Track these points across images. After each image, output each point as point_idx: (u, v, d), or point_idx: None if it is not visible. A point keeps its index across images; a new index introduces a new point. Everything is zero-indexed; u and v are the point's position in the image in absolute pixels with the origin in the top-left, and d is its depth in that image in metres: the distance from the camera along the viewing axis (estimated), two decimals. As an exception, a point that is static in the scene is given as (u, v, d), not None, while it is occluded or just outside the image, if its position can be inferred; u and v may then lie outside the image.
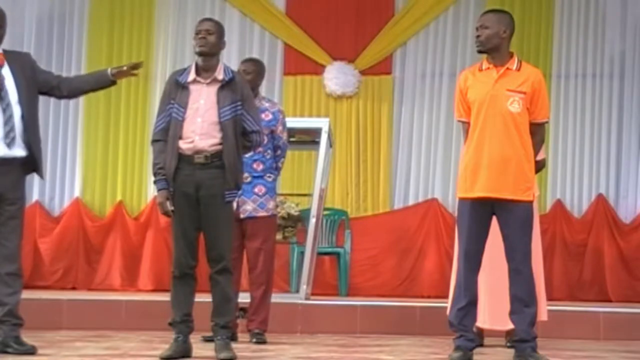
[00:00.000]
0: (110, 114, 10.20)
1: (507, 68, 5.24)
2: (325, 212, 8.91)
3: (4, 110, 5.25)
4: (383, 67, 10.16)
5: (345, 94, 10.10)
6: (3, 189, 5.25)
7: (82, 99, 10.12)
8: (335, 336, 7.13)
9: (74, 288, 9.69)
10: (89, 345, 6.10)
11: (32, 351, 5.24)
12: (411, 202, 10.07)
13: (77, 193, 10.13)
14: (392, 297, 8.92)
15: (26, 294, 5.48)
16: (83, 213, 10.03)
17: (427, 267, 9.67)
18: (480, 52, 5.29)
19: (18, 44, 9.78)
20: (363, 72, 10.11)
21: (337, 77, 10.05)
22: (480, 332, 6.19)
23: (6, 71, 5.33)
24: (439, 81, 10.11)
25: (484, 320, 6.04)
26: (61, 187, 10.20)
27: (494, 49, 5.24)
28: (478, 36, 5.26)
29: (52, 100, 9.96)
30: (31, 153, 5.36)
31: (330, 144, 8.23)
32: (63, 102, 10.11)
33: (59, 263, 9.83)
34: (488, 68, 5.27)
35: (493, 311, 6.01)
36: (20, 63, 5.45)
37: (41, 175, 5.56)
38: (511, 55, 5.30)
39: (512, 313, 5.27)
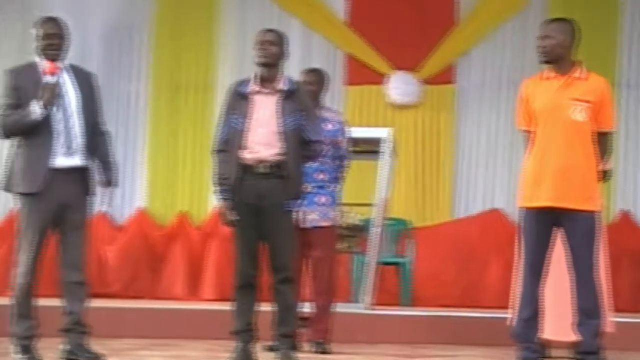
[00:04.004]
0: (173, 125, 10.32)
1: (572, 77, 5.19)
2: (388, 222, 8.88)
3: (64, 121, 5.32)
4: (445, 76, 10.13)
5: (407, 103, 10.08)
6: (67, 199, 5.32)
7: (146, 109, 10.27)
8: (397, 346, 7.10)
9: (138, 297, 9.79)
10: (153, 353, 6.16)
11: (99, 359, 5.30)
12: (473, 211, 10.01)
13: (141, 203, 10.25)
14: (454, 307, 8.86)
15: (92, 303, 5.53)
16: (147, 222, 10.14)
17: (489, 277, 9.60)
18: (544, 62, 5.25)
19: (84, 57, 9.94)
20: (425, 81, 10.08)
21: (398, 86, 10.03)
22: (545, 344, 6.11)
23: (67, 81, 5.40)
24: (502, 90, 10.05)
25: (548, 331, 5.97)
26: (126, 196, 10.32)
27: (558, 59, 5.19)
28: (542, 46, 5.21)
29: (118, 111, 10.26)
30: (92, 163, 5.42)
31: (393, 153, 8.22)
32: (128, 114, 10.30)
33: (123, 272, 9.93)
34: (551, 77, 5.23)
35: (557, 322, 5.93)
36: (84, 78, 5.52)
37: (108, 184, 5.53)
38: (575, 63, 5.25)
39: (577, 324, 5.21)
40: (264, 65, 5.42)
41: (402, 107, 10.10)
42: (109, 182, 5.48)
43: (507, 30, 10.15)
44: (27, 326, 5.29)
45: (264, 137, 5.32)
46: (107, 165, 5.47)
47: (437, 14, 10.10)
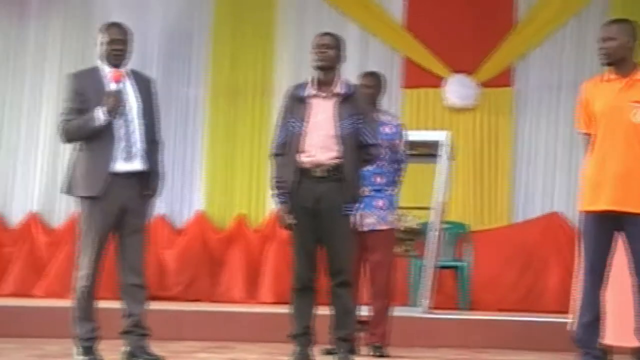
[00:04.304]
0: (231, 129, 10.38)
1: (633, 79, 5.11)
2: (446, 226, 8.85)
3: (125, 127, 5.37)
4: (503, 79, 10.05)
5: (465, 106, 10.03)
6: (127, 203, 5.37)
7: (204, 113, 10.35)
8: (455, 350, 7.07)
9: (196, 300, 9.85)
10: (212, 356, 6.20)
11: (159, 361, 5.36)
12: (532, 215, 9.92)
13: (200, 206, 10.33)
14: (513, 312, 8.78)
15: (151, 305, 5.58)
16: (206, 226, 10.22)
17: (548, 281, 9.50)
18: (605, 64, 5.17)
19: (143, 61, 10.05)
20: (483, 84, 10.02)
21: (456, 89, 9.99)
22: (606, 349, 6.03)
23: (129, 87, 5.46)
24: (561, 92, 9.95)
25: (610, 336, 5.89)
26: (185, 200, 10.41)
27: (620, 61, 5.11)
28: (603, 48, 5.13)
29: (177, 116, 10.35)
30: (151, 167, 5.47)
31: (451, 157, 8.18)
32: (186, 118, 10.39)
33: (182, 275, 10.02)
34: (612, 79, 5.15)
35: (620, 327, 5.85)
36: (143, 83, 5.58)
37: (155, 191, 5.54)
38: (636, 65, 5.17)
39: (638, 330, 5.13)
40: (321, 68, 5.43)
41: (460, 110, 10.05)
42: (155, 191, 5.52)
43: (566, 32, 10.04)
44: (88, 328, 5.35)
45: (321, 141, 5.33)
46: (154, 175, 5.51)
47: (495, 16, 10.03)
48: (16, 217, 10.41)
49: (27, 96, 10.57)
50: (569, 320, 5.45)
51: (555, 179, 9.91)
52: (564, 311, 6.86)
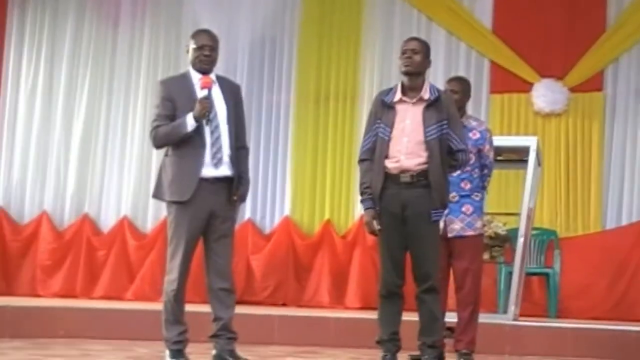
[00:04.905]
0: (318, 135, 10.42)
1: None
2: (534, 232, 8.75)
3: (212, 132, 5.43)
4: (594, 83, 9.88)
5: (553, 111, 9.89)
6: (215, 208, 5.42)
7: (291, 119, 10.42)
8: (544, 359, 6.98)
9: (283, 304, 9.91)
10: (299, 360, 6.24)
11: (246, 364, 5.40)
12: (624, 222, 9.73)
13: (286, 211, 10.38)
14: (605, 320, 8.62)
15: (239, 309, 5.64)
16: (292, 231, 10.27)
17: (642, 289, 9.32)
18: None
19: (231, 65, 10.19)
20: (572, 89, 9.87)
21: (545, 94, 9.86)
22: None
23: (217, 93, 5.52)
24: (653, 97, 9.77)
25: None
26: (272, 205, 10.48)
27: None
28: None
29: (263, 122, 10.44)
30: (238, 173, 5.51)
31: (539, 162, 8.09)
32: (273, 124, 10.48)
33: (269, 280, 10.08)
34: None
35: None
36: (231, 89, 5.64)
37: (242, 196, 5.57)
38: None
39: None
40: (407, 74, 5.42)
41: (549, 115, 9.92)
42: (242, 197, 5.56)
43: (659, 36, 9.85)
44: (178, 331, 5.42)
45: (408, 147, 5.32)
46: (241, 181, 5.55)
47: (586, 20, 9.86)
48: (108, 221, 10.60)
49: (118, 102, 10.77)
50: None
51: (648, 184, 9.73)
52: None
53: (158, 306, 5.63)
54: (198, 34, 5.59)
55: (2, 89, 10.97)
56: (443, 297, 5.93)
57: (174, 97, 5.46)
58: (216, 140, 5.43)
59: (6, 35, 11.02)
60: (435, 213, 5.34)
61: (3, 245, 10.55)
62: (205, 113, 5.36)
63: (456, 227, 6.14)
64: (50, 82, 10.90)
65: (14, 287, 10.37)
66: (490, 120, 9.68)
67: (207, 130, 5.40)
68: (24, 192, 10.79)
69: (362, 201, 5.44)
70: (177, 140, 5.40)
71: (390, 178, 5.33)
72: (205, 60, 5.50)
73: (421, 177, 5.30)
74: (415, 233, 5.31)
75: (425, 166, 5.30)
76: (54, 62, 10.93)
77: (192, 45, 5.53)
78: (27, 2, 11.05)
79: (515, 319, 7.71)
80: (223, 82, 5.63)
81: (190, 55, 5.54)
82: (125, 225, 10.46)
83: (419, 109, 5.38)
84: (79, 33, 10.92)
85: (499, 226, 7.95)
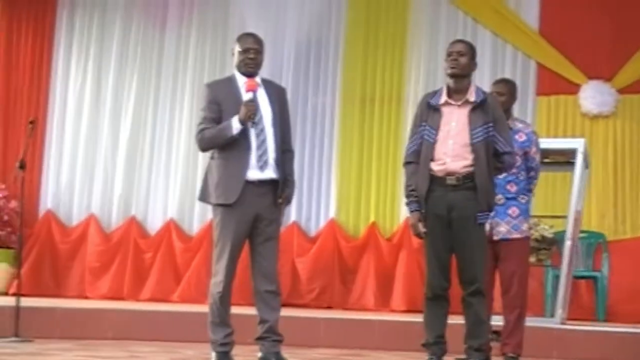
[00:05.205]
0: (363, 137, 10.41)
1: None
2: (582, 235, 8.66)
3: (258, 135, 5.45)
4: (642, 85, 9.79)
5: (601, 113, 9.80)
6: (260, 211, 5.44)
7: (336, 121, 10.42)
8: (592, 363, 6.92)
9: (329, 307, 9.92)
10: (344, 363, 6.24)
11: (291, 367, 5.41)
12: (674, 225, 9.62)
13: (332, 214, 10.39)
14: (654, 325, 8.53)
15: (285, 312, 5.64)
16: (338, 234, 10.27)
17: (692, 294, 9.19)
18: None
19: (277, 67, 10.22)
20: (621, 91, 9.77)
21: (593, 96, 9.77)
22: None
23: (262, 96, 5.54)
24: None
25: None
26: (317, 208, 10.49)
27: None
28: None
29: (309, 124, 10.46)
30: (283, 175, 5.52)
31: (586, 165, 8.01)
32: (319, 126, 10.49)
33: (315, 282, 10.10)
34: None
35: None
36: (276, 92, 5.66)
37: (288, 199, 5.56)
38: None
39: None
40: (453, 76, 5.40)
41: (597, 117, 9.82)
42: (287, 199, 5.57)
43: None
44: (224, 334, 5.44)
45: (454, 149, 5.30)
46: (287, 183, 5.55)
47: (635, 21, 9.75)
48: (155, 224, 10.68)
49: (165, 105, 10.86)
50: None
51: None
52: None
53: (204, 308, 5.66)
54: (243, 37, 5.62)
55: (51, 92, 11.11)
56: (489, 300, 5.90)
57: (220, 101, 5.49)
58: (262, 143, 5.44)
59: (55, 38, 11.17)
60: (481, 216, 5.32)
61: (52, 247, 10.69)
62: (251, 116, 5.38)
63: (502, 229, 6.10)
64: (98, 85, 11.02)
65: (62, 288, 10.50)
66: (537, 123, 9.61)
67: (252, 133, 5.42)
68: (72, 195, 10.91)
69: (407, 204, 5.43)
70: (222, 143, 5.43)
71: (436, 181, 5.31)
72: (250, 64, 5.52)
73: (467, 180, 5.28)
74: (461, 236, 5.29)
75: (471, 169, 5.28)
76: (101, 65, 11.04)
77: (237, 49, 5.56)
78: (75, 4, 11.18)
79: (562, 323, 7.65)
80: (268, 85, 5.65)
81: (235, 59, 5.58)
82: (171, 228, 10.54)
83: (464, 112, 5.36)
84: (126, 36, 11.03)
85: (546, 229, 7.89)
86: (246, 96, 5.44)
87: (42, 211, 10.87)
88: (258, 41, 5.59)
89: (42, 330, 7.33)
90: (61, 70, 11.11)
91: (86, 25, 11.14)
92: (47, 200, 10.90)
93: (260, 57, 5.58)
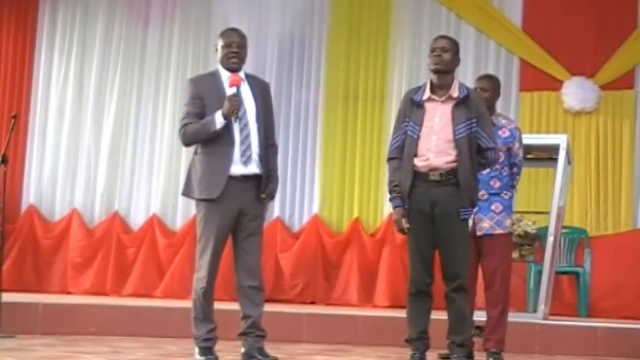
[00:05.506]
0: (347, 134, 10.41)
1: None
2: (564, 231, 8.70)
3: (241, 130, 5.44)
4: (625, 81, 9.81)
5: (584, 109, 9.83)
6: (244, 206, 5.44)
7: (320, 117, 10.42)
8: (574, 358, 6.94)
9: (312, 302, 9.92)
10: (327, 359, 6.23)
11: (275, 362, 5.41)
12: (657, 220, 9.66)
13: (315, 210, 10.39)
14: (635, 320, 8.56)
15: (268, 307, 5.65)
16: (321, 229, 10.27)
17: (674, 289, 9.23)
18: None
19: (261, 64, 10.21)
20: (603, 87, 9.80)
21: (575, 92, 9.80)
22: None
23: (245, 91, 5.54)
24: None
25: None
26: (300, 204, 10.48)
27: None
28: None
29: (292, 120, 10.46)
30: (267, 171, 5.51)
31: (569, 160, 8.04)
32: (302, 122, 10.49)
33: (298, 278, 10.10)
34: None
35: None
36: (259, 86, 5.66)
37: (271, 194, 5.56)
38: None
39: None
40: (436, 72, 5.41)
41: (579, 113, 9.85)
42: (271, 194, 5.56)
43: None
44: (207, 329, 5.44)
45: (437, 145, 5.31)
46: (270, 179, 5.55)
47: (617, 18, 9.79)
48: (138, 219, 10.66)
49: (148, 100, 10.83)
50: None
51: (680, 183, 9.64)
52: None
53: (187, 304, 5.66)
54: (226, 32, 5.62)
55: (33, 89, 11.06)
56: (472, 296, 5.93)
57: (203, 95, 5.49)
58: (245, 138, 5.44)
59: (37, 34, 11.12)
60: (464, 211, 5.33)
61: (35, 242, 10.64)
62: (234, 111, 5.37)
63: (485, 225, 6.12)
64: (81, 82, 10.98)
65: (45, 284, 10.46)
66: (520, 119, 9.64)
67: (236, 128, 5.42)
68: (54, 190, 10.88)
69: (391, 199, 5.44)
70: (206, 138, 5.42)
71: (419, 176, 5.32)
72: (233, 58, 5.52)
73: (450, 176, 5.29)
74: (444, 231, 5.30)
75: (454, 164, 5.29)
76: (84, 61, 11.00)
77: (220, 44, 5.56)
78: (58, 1, 11.13)
79: (545, 318, 7.67)
80: (252, 80, 5.64)
81: (219, 54, 5.57)
82: (154, 223, 10.51)
83: (448, 107, 5.36)
84: (109, 33, 10.99)
85: (529, 225, 7.91)
86: (230, 91, 5.44)
87: (24, 206, 10.82)
88: (241, 36, 5.59)
89: (24, 326, 7.30)
90: (44, 66, 11.07)
91: (69, 22, 11.10)
92: (30, 195, 10.86)
93: (243, 51, 5.57)
